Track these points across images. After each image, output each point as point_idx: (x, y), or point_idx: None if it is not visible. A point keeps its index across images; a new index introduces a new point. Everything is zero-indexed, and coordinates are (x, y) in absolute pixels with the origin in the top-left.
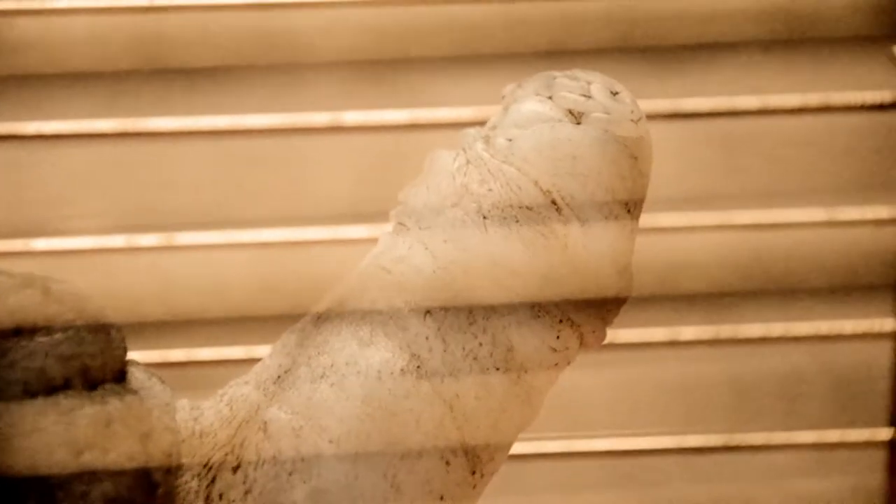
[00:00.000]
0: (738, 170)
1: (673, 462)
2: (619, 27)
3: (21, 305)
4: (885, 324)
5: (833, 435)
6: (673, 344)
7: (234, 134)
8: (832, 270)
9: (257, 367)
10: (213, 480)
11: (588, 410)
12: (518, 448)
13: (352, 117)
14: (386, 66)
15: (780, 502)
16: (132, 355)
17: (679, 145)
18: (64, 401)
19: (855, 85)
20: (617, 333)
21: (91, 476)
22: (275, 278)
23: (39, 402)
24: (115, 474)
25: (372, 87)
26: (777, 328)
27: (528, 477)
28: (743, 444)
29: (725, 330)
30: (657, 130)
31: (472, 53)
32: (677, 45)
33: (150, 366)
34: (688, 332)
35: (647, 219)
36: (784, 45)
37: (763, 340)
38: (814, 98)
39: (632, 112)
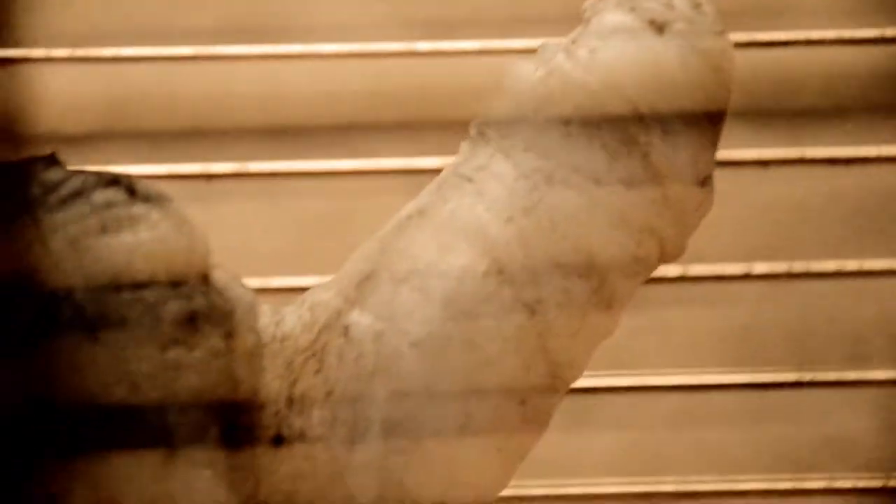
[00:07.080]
0: None
1: (735, 398)
2: None
3: (106, 202)
4: None
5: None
6: (746, 277)
7: None
8: None
9: (338, 273)
10: (294, 382)
11: (654, 347)
12: (586, 382)
13: None
14: None
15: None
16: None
17: None
18: (149, 295)
19: None
20: (690, 267)
21: (176, 370)
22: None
23: (125, 296)
24: (200, 369)
25: None
26: (851, 264)
27: (596, 411)
28: (816, 380)
29: (798, 265)
30: None
31: None
32: None
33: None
34: (761, 266)
35: None
36: None
37: (835, 275)
38: None
39: (714, 23)
